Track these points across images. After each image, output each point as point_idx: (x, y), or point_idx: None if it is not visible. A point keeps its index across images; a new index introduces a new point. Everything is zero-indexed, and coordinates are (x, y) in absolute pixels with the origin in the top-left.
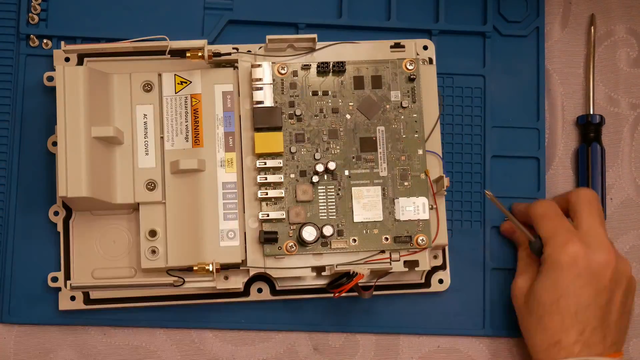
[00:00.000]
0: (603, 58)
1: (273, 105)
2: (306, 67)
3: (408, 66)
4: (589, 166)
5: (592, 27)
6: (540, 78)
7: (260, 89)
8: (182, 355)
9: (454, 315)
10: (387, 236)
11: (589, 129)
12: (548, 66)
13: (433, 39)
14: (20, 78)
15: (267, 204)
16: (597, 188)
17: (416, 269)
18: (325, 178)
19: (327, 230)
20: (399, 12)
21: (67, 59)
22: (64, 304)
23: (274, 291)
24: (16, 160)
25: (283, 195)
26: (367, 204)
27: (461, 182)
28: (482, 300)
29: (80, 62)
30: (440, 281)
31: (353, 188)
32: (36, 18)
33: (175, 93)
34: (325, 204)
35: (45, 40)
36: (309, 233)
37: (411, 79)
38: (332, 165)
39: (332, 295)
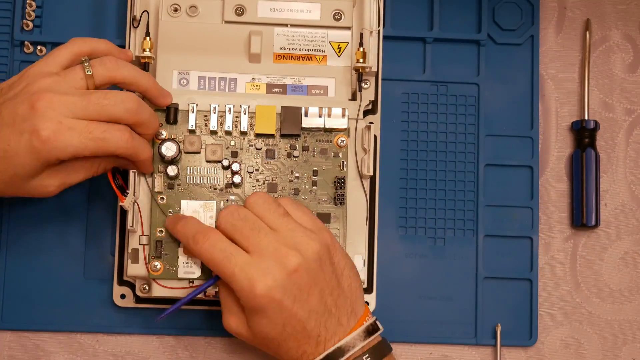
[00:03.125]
0: (598, 63)
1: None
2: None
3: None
4: (583, 172)
5: (588, 33)
6: (534, 87)
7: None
8: None
9: (447, 323)
10: None
11: (584, 135)
12: (542, 72)
13: (427, 46)
14: None
15: None
16: (591, 193)
17: None
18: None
19: None
20: (393, 20)
21: None
22: None
23: None
24: None
25: None
26: None
27: (454, 190)
28: (475, 309)
29: None
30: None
31: None
32: (30, 24)
33: None
34: None
35: (39, 47)
36: (168, 148)
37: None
38: (237, 179)
39: None
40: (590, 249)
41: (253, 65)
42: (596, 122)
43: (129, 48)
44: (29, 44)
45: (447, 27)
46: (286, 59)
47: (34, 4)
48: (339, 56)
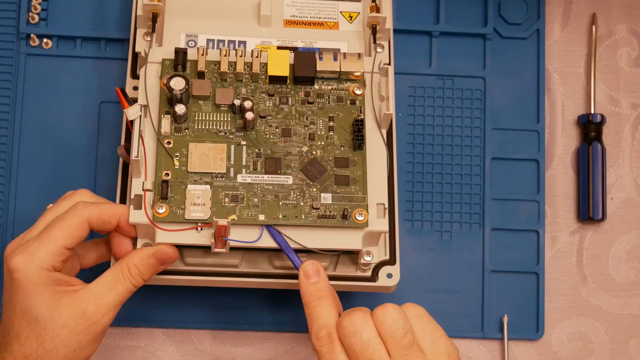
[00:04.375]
0: (604, 57)
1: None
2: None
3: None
4: (589, 165)
5: (593, 27)
6: (540, 80)
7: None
8: (181, 355)
9: (453, 317)
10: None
11: (590, 128)
12: (548, 66)
13: (433, 40)
14: (20, 77)
15: None
16: (597, 187)
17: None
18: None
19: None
20: (399, 13)
21: None
22: None
23: None
24: (15, 161)
25: None
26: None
27: (460, 184)
28: (481, 302)
29: None
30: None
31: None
32: (36, 17)
33: None
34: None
35: (45, 40)
36: (176, 82)
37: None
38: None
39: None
40: (596, 242)
41: (263, 28)
42: (602, 116)
43: (137, 3)
44: (34, 37)
45: (453, 21)
46: (297, 24)
47: None
48: (350, 23)
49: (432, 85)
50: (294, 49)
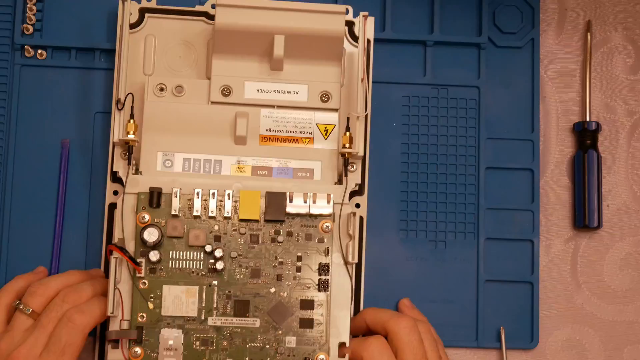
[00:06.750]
0: (599, 65)
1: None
2: None
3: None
4: (585, 173)
5: (589, 34)
6: (535, 90)
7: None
8: None
9: (448, 326)
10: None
11: (586, 136)
12: (543, 73)
13: (428, 50)
14: (15, 88)
15: None
16: (593, 195)
17: None
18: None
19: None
20: (393, 23)
21: None
22: None
23: None
24: (10, 171)
25: None
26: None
27: (455, 193)
28: (476, 311)
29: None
30: None
31: None
32: (31, 28)
33: None
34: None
35: (39, 51)
36: (150, 234)
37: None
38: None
39: None
40: (591, 250)
41: (239, 147)
42: (598, 124)
43: (114, 130)
44: (29, 48)
45: (448, 30)
46: (272, 140)
47: (34, 8)
48: (325, 138)
49: (427, 94)
50: (268, 169)
